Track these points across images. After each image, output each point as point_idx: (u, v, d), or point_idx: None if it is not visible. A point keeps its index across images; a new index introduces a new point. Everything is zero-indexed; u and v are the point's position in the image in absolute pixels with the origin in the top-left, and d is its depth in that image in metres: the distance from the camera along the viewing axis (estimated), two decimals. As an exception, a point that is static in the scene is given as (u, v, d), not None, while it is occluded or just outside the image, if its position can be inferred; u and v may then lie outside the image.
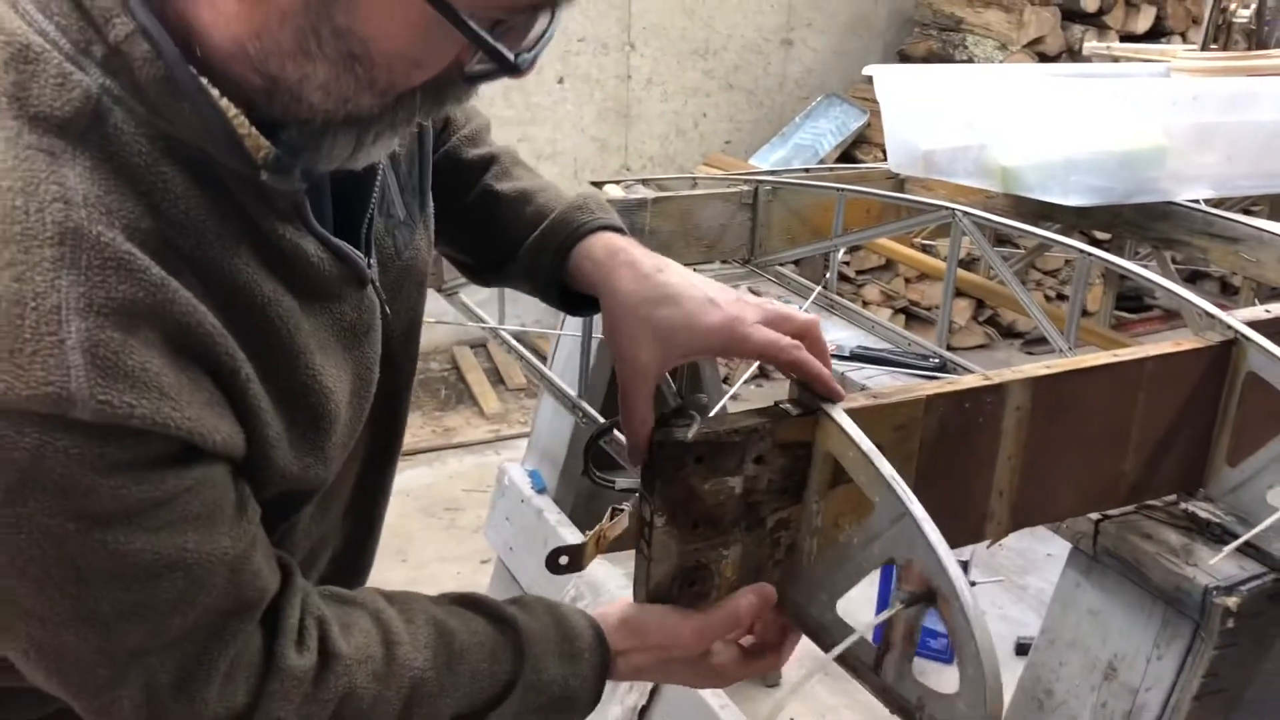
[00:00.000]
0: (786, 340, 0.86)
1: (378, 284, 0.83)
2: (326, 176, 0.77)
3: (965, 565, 2.70)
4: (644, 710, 1.64)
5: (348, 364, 0.80)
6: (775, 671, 2.57)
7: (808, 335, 0.88)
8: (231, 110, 0.65)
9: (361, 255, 0.79)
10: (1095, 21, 4.64)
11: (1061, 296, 4.75)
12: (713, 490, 0.87)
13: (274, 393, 0.72)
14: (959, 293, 4.31)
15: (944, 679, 0.78)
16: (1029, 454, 1.01)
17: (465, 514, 3.42)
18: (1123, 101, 1.64)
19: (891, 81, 1.89)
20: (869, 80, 1.96)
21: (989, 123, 1.73)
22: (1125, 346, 1.13)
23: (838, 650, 0.83)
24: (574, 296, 0.98)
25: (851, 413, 0.92)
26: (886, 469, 0.81)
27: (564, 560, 0.98)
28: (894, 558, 0.79)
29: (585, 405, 1.55)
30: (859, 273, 4.51)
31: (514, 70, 0.67)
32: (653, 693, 1.64)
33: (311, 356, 0.75)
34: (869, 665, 0.83)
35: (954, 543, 1.07)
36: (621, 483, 0.99)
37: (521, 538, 2.10)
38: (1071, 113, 1.66)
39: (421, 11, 0.61)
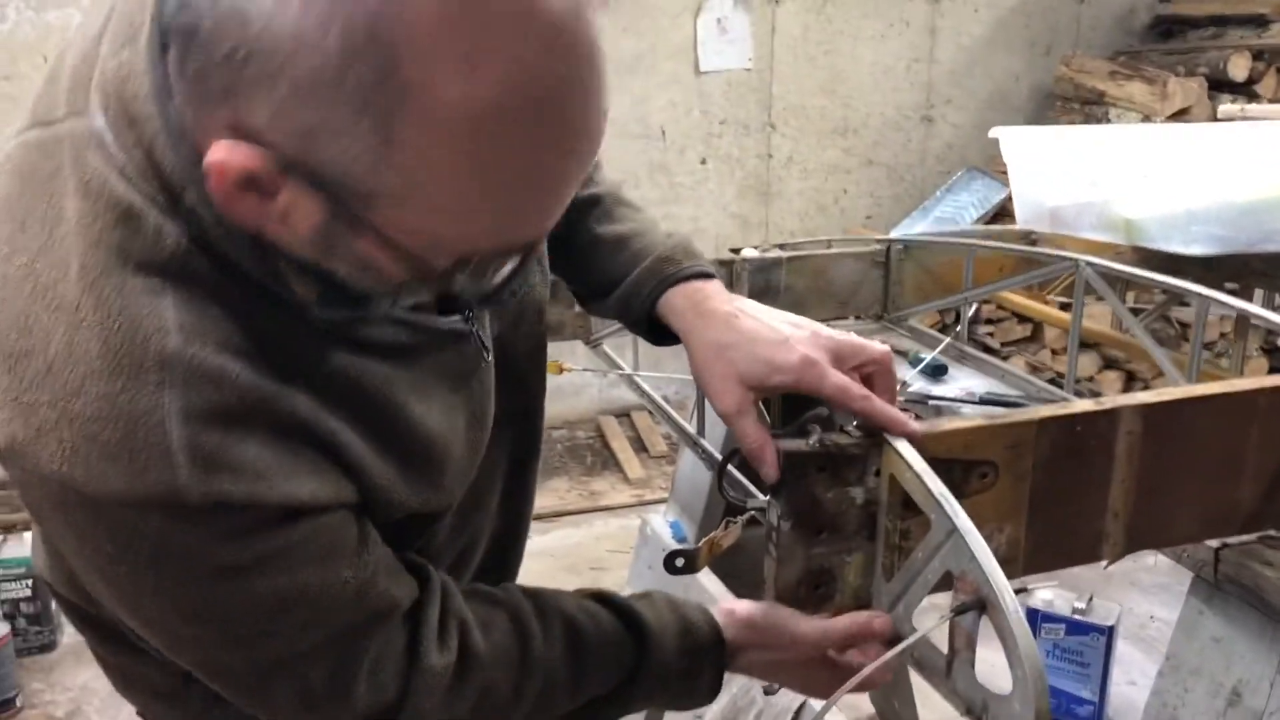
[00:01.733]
0: (858, 389, 0.91)
1: (478, 332, 0.91)
2: None
3: (1111, 631, 2.66)
4: None
5: (459, 403, 0.88)
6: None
7: (880, 366, 0.94)
8: (283, 263, 0.73)
9: (450, 320, 0.86)
10: (1245, 91, 4.48)
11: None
12: (835, 499, 0.94)
13: (377, 447, 0.80)
14: (1107, 364, 4.24)
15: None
16: (1142, 477, 1.05)
17: (609, 574, 3.51)
18: (1243, 152, 1.66)
19: (1017, 141, 1.94)
20: (1010, 151, 2.02)
21: (1113, 177, 1.76)
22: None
23: (902, 646, 0.89)
24: (662, 331, 1.06)
25: (965, 431, 0.99)
26: (937, 487, 0.85)
27: (680, 562, 1.08)
28: (950, 569, 0.84)
29: (705, 443, 1.64)
30: (1004, 344, 4.47)
31: (483, 302, 0.83)
32: None
33: (411, 409, 0.82)
34: (942, 671, 0.88)
35: (1070, 561, 1.12)
36: (753, 502, 1.08)
37: (662, 584, 2.17)
38: (1192, 164, 1.69)
39: (398, 254, 0.71)
